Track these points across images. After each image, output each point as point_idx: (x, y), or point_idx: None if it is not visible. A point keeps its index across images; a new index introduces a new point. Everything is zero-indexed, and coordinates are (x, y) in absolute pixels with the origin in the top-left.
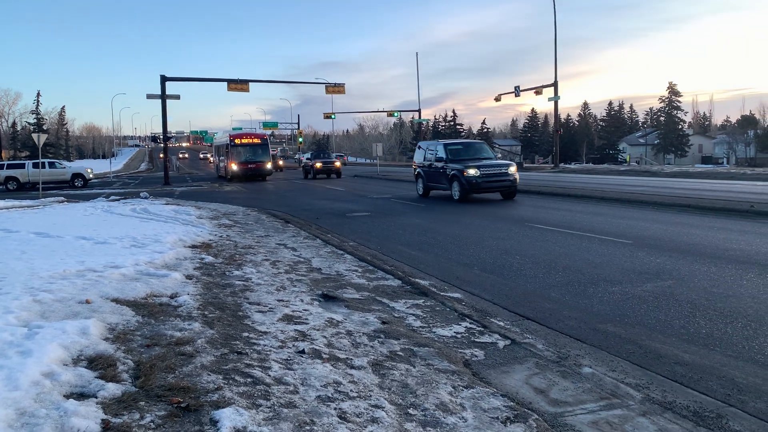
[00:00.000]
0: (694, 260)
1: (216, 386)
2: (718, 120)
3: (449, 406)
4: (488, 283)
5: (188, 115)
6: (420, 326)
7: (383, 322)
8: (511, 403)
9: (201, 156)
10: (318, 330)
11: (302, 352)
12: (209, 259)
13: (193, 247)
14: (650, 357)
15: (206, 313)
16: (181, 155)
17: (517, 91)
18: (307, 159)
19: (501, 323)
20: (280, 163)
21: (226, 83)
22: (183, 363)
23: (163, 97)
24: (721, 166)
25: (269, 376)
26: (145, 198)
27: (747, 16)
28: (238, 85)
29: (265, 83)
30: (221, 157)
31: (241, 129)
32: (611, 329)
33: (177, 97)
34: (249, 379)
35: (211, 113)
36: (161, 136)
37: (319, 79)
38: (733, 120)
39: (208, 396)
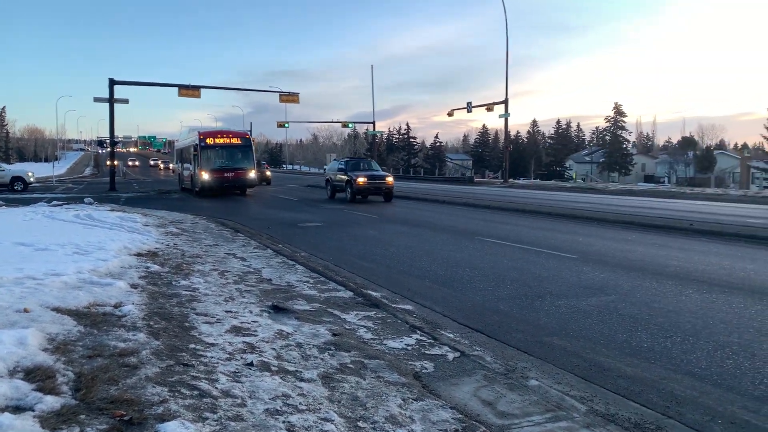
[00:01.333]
0: (636, 276)
1: (161, 399)
2: (660, 140)
3: (399, 418)
4: (439, 296)
5: (136, 120)
6: (371, 338)
7: (334, 334)
8: (460, 416)
9: (151, 162)
10: (267, 342)
11: (251, 364)
12: (155, 267)
13: (139, 255)
14: (594, 370)
15: (152, 323)
16: (131, 162)
17: (469, 107)
18: (340, 171)
19: (451, 335)
20: (268, 173)
21: (176, 89)
22: (127, 375)
23: (111, 100)
24: (662, 184)
25: (216, 388)
26: (90, 204)
27: (688, 42)
28: (190, 90)
29: (217, 90)
30: (186, 164)
31: (177, 139)
32: (557, 342)
33: (125, 101)
34: (195, 392)
35: (160, 119)
36: (108, 141)
37: (273, 87)
38: (674, 141)
39: (152, 409)
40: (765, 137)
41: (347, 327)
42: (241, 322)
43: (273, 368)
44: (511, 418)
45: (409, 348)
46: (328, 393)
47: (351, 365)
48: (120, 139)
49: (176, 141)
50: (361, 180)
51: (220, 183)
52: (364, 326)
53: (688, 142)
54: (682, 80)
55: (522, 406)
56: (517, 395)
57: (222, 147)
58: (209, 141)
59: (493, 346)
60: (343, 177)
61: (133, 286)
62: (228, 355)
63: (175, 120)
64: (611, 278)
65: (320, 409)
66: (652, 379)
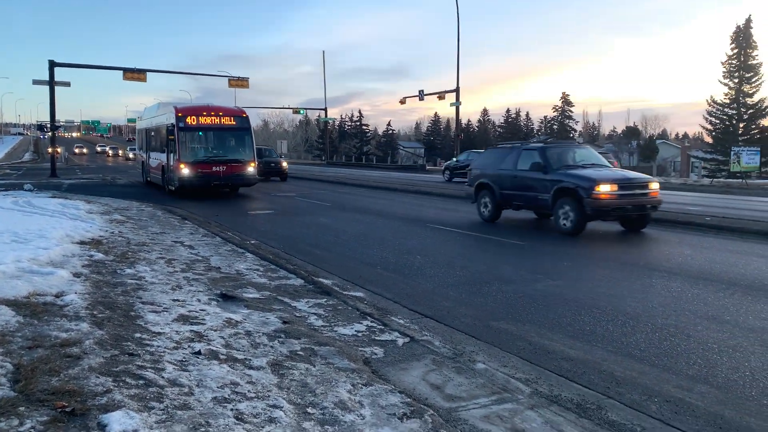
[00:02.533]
0: (582, 262)
1: (105, 389)
2: (605, 130)
3: (348, 403)
4: (391, 282)
5: (79, 104)
6: (322, 325)
7: (284, 322)
8: (408, 400)
9: (98, 149)
10: (216, 330)
11: (198, 353)
12: (99, 256)
13: (82, 243)
14: (539, 353)
15: (95, 312)
16: (77, 149)
17: (421, 95)
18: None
19: (401, 321)
20: (284, 164)
21: (121, 72)
22: (69, 365)
23: (52, 83)
24: None
25: (163, 377)
26: (30, 190)
27: (635, 33)
28: (135, 74)
29: (164, 74)
30: (154, 152)
31: (141, 116)
32: (504, 326)
33: (67, 84)
34: (141, 381)
35: (104, 103)
36: (49, 125)
37: (222, 71)
38: (619, 130)
39: (96, 399)
40: (704, 127)
41: (298, 314)
42: (189, 311)
43: (221, 356)
44: (458, 401)
45: (360, 334)
46: (278, 380)
47: (301, 352)
48: (62, 124)
49: (139, 119)
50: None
51: (207, 180)
52: (315, 313)
53: (632, 132)
54: (627, 70)
55: (469, 389)
56: (465, 378)
57: (209, 129)
58: (190, 121)
59: (443, 331)
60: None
61: (76, 275)
62: (175, 344)
63: (120, 105)
64: (558, 265)
65: (269, 396)
66: (594, 360)
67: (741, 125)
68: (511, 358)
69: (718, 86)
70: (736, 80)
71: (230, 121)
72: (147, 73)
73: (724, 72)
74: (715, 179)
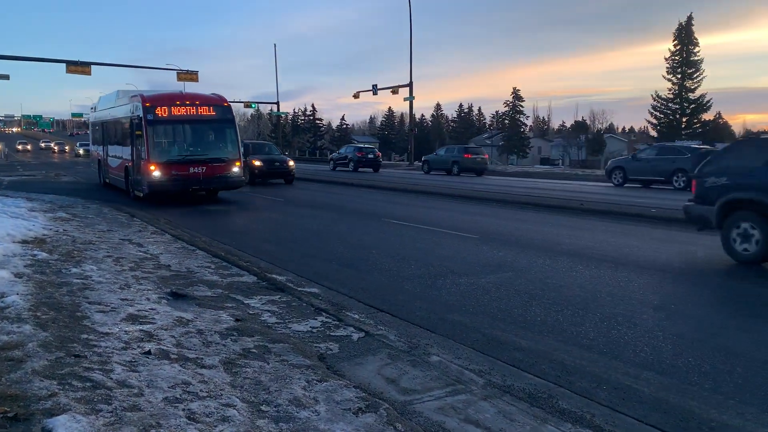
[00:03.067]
0: (531, 253)
1: (50, 393)
2: (555, 124)
3: (303, 400)
4: (345, 277)
5: (20, 98)
6: (275, 322)
7: (237, 320)
8: (363, 394)
9: (42, 145)
10: (166, 330)
11: (148, 353)
12: (43, 255)
13: (24, 242)
14: (492, 344)
15: (39, 314)
16: (20, 146)
17: (374, 90)
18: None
19: (356, 316)
20: (291, 163)
21: (65, 65)
22: (11, 369)
23: None
24: (557, 167)
25: (111, 379)
26: None
27: (584, 29)
28: (79, 67)
29: (109, 67)
30: (115, 148)
31: (95, 106)
32: (458, 318)
33: (6, 77)
34: (88, 384)
35: (46, 97)
36: None
37: (170, 65)
38: (568, 125)
39: (40, 403)
40: (650, 122)
41: (251, 312)
42: (138, 310)
43: (172, 356)
44: (413, 394)
45: (314, 330)
46: (231, 379)
47: (254, 350)
48: (1, 119)
49: (92, 110)
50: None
51: (183, 184)
52: (269, 310)
53: (580, 126)
54: (576, 66)
55: (424, 381)
56: (420, 371)
57: (185, 122)
58: (161, 112)
59: (398, 325)
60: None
61: (18, 275)
62: (124, 345)
63: (63, 99)
64: (508, 256)
65: (222, 395)
66: (545, 350)
67: (684, 119)
68: (465, 349)
69: (663, 82)
70: (679, 76)
71: (209, 111)
72: (92, 66)
73: (667, 68)
74: None
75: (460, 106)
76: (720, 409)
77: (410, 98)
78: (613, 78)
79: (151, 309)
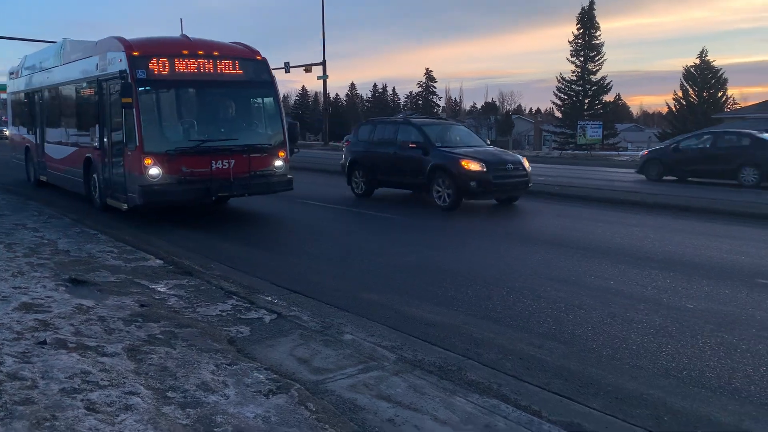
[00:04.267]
0: (443, 232)
1: None
2: (466, 105)
3: (211, 384)
4: (257, 260)
5: None
6: (183, 307)
7: (142, 305)
8: (275, 376)
9: None
10: (64, 318)
11: (44, 342)
12: None
13: None
14: (405, 320)
15: None
16: None
17: (287, 68)
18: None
19: (268, 298)
20: (527, 166)
21: None
22: None
23: None
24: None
25: (1, 372)
26: None
27: (493, 11)
28: None
29: (3, 40)
30: (60, 134)
31: (16, 70)
32: (373, 297)
33: None
34: None
35: None
36: None
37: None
38: (479, 106)
39: None
40: (555, 103)
41: (157, 297)
42: (33, 299)
43: (70, 345)
44: (326, 373)
45: (224, 314)
46: (135, 366)
47: (160, 336)
48: None
49: (12, 77)
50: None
51: (202, 188)
52: (176, 295)
53: (490, 108)
54: (485, 48)
55: (336, 360)
56: (332, 350)
57: (198, 86)
58: (158, 68)
59: (311, 306)
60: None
61: None
62: (16, 335)
63: None
64: (427, 237)
65: (125, 383)
66: (455, 324)
67: (586, 101)
68: (378, 327)
69: (567, 64)
70: (582, 59)
71: (234, 68)
72: None
73: (571, 51)
74: (564, 151)
75: (375, 86)
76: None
77: (323, 77)
78: (521, 60)
79: (48, 297)
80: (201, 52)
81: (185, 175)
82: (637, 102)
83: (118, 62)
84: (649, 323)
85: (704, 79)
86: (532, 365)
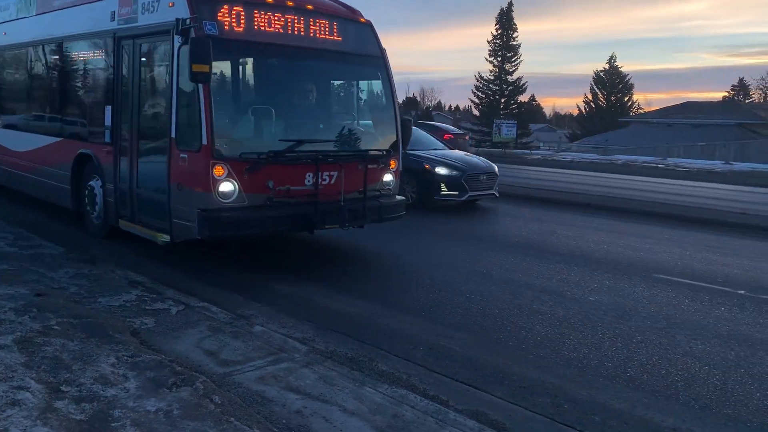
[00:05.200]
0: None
1: None
2: None
3: (110, 378)
4: (165, 249)
5: None
6: (84, 296)
7: (38, 294)
8: (179, 368)
9: None
10: None
11: None
12: None
13: None
14: (319, 311)
15: None
16: None
17: None
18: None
19: (176, 289)
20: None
21: None
22: None
23: None
24: None
25: None
26: None
27: (408, 4)
28: None
29: None
30: (28, 116)
31: None
32: (287, 289)
33: None
34: None
35: None
36: None
37: None
38: (401, 101)
39: None
40: (473, 101)
41: (55, 286)
42: None
43: None
44: (233, 365)
45: (129, 304)
46: (26, 359)
47: (57, 327)
48: None
49: None
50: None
51: (297, 215)
52: (77, 284)
53: (411, 103)
54: (407, 43)
55: (245, 352)
56: (241, 342)
57: (289, 56)
58: (234, 24)
59: (222, 297)
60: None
61: None
62: None
63: None
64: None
65: (13, 377)
66: (370, 315)
67: (503, 100)
68: (290, 318)
69: (485, 64)
70: (499, 59)
71: (333, 33)
72: None
73: (489, 51)
74: (480, 148)
75: None
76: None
77: None
78: (442, 57)
79: None
80: (291, 3)
81: (274, 194)
82: (551, 103)
83: (167, 7)
84: (553, 315)
85: (612, 83)
86: (442, 355)
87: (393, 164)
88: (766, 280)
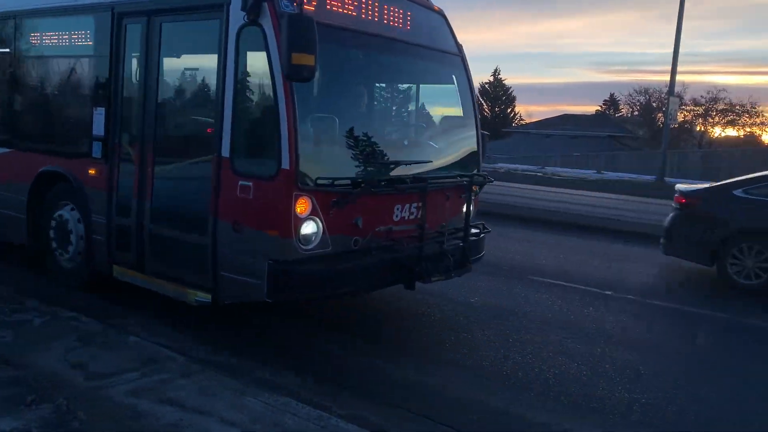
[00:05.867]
0: None
1: None
2: None
3: None
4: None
5: None
6: None
7: None
8: (40, 384)
9: None
10: None
11: None
12: None
13: None
14: (198, 320)
15: None
16: None
17: None
18: None
19: (41, 299)
20: None
21: None
22: None
23: None
24: None
25: None
26: None
27: None
28: None
29: None
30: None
31: None
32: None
33: None
34: None
35: None
36: None
37: None
38: None
39: None
40: None
41: None
42: None
43: None
44: (104, 378)
45: None
46: None
47: None
48: None
49: None
50: None
51: (400, 269)
52: None
53: None
54: None
55: (118, 363)
56: (114, 353)
57: (383, 51)
58: (318, 4)
59: (94, 306)
60: None
61: None
62: None
63: None
64: None
65: None
66: (248, 321)
67: None
68: (167, 328)
69: None
70: None
71: (414, 24)
72: None
73: None
74: None
75: None
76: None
77: None
78: None
79: None
80: None
81: (371, 235)
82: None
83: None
84: (433, 317)
85: (497, 95)
86: (323, 360)
87: (475, 189)
88: (630, 282)
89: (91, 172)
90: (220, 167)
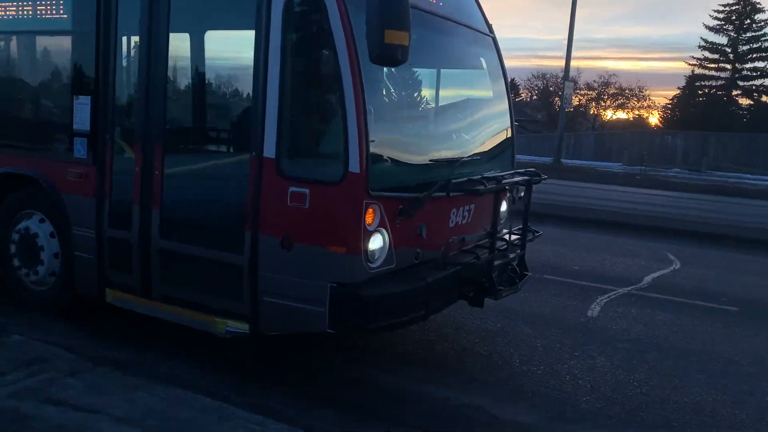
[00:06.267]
0: None
1: None
2: None
3: None
4: None
5: None
6: None
7: None
8: None
9: None
10: None
11: None
12: None
13: None
14: (92, 315)
15: None
16: None
17: None
18: None
19: None
20: None
21: None
22: None
23: None
24: None
25: None
26: None
27: None
28: None
29: None
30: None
31: None
32: None
33: None
34: None
35: None
36: None
37: None
38: None
39: None
40: None
41: None
42: None
43: None
44: None
45: None
46: None
47: None
48: None
49: None
50: None
51: (460, 285)
52: None
53: None
54: None
55: None
56: None
57: (440, 36)
58: None
59: None
60: None
61: None
62: None
63: None
64: None
65: None
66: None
67: None
68: (57, 323)
69: None
70: None
71: (453, 5)
72: None
73: None
74: None
75: None
76: None
77: None
78: None
79: None
80: None
81: (448, 247)
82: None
83: None
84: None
85: None
86: (219, 353)
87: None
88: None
89: (72, 175)
90: (262, 170)
